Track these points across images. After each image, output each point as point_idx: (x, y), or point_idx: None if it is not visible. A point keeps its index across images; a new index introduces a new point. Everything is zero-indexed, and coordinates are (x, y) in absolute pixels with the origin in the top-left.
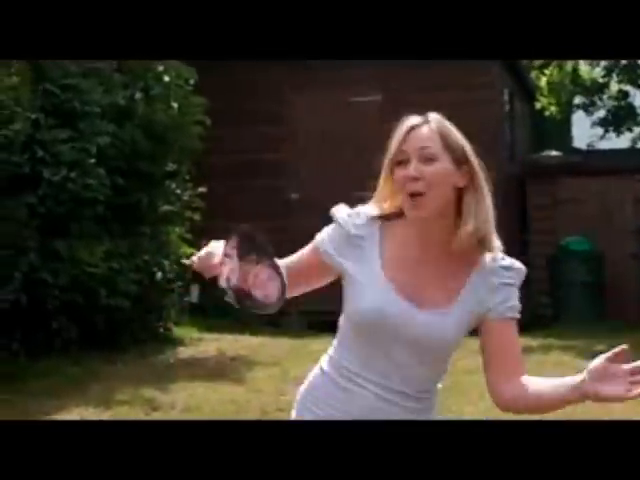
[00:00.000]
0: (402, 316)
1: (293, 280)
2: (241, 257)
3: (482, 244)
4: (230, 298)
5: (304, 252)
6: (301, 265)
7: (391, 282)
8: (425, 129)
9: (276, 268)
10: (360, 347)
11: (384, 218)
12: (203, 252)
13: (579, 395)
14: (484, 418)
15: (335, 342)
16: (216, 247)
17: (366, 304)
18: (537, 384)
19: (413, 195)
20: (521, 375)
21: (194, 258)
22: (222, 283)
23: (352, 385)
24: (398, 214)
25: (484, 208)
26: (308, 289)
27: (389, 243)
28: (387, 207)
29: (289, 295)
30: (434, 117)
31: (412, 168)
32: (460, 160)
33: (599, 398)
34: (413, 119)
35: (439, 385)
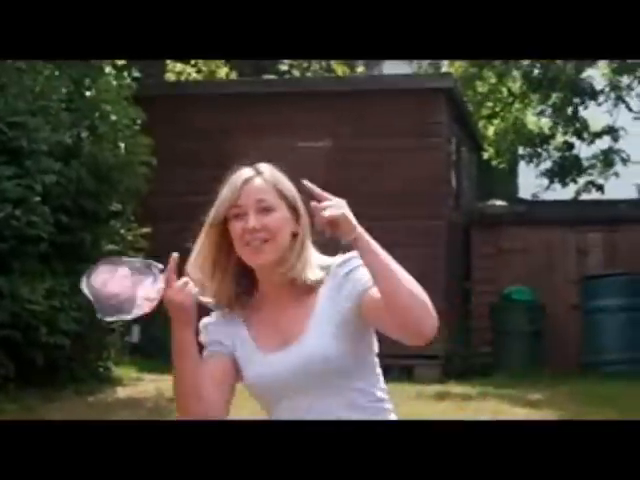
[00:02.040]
0: (275, 368)
1: (225, 401)
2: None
3: (293, 283)
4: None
5: (212, 374)
6: (219, 380)
7: (261, 348)
8: (258, 181)
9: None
10: (274, 412)
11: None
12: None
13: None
14: None
15: None
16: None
17: (249, 380)
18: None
19: (250, 246)
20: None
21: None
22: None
23: None
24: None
25: (306, 254)
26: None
27: (251, 316)
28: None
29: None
30: (265, 167)
31: (251, 219)
32: (294, 208)
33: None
34: (245, 172)
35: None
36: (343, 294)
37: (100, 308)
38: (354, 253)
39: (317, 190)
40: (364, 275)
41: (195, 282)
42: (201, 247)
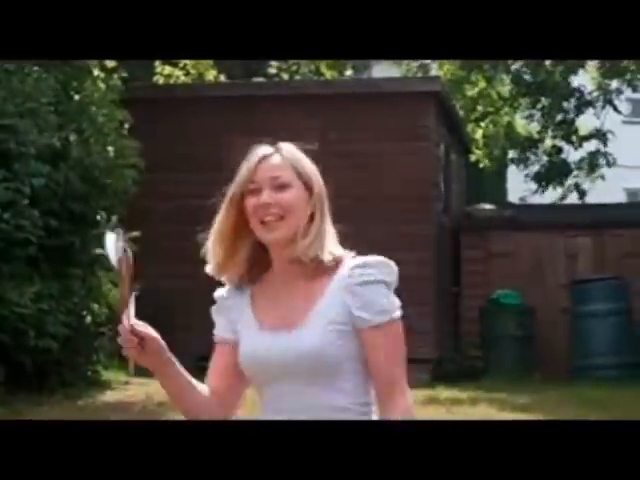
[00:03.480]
0: (259, 351)
1: (226, 397)
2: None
3: (303, 262)
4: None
5: (215, 364)
6: (222, 375)
7: (259, 322)
8: (276, 158)
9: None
10: (264, 394)
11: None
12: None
13: None
14: None
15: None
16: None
17: (242, 351)
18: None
19: (263, 222)
20: (394, 402)
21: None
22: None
23: None
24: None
25: (324, 233)
26: (242, 397)
27: (258, 290)
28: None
29: (230, 415)
30: (285, 146)
31: (265, 195)
32: (311, 188)
33: None
34: (264, 149)
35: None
36: (355, 302)
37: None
38: (379, 260)
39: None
40: (384, 306)
41: (211, 259)
42: (219, 223)
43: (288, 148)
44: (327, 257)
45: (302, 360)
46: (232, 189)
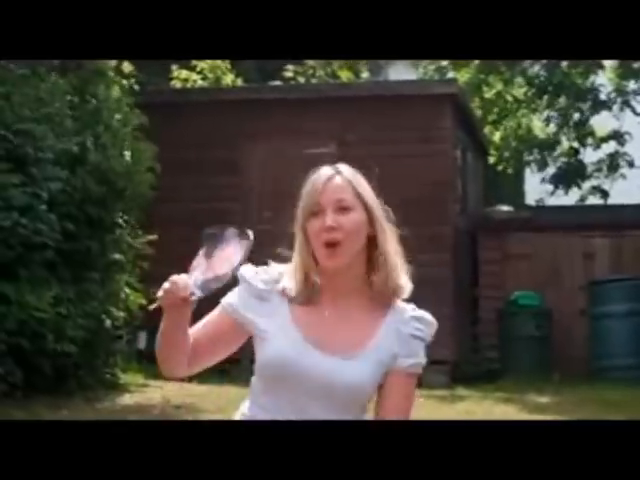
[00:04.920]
0: (305, 362)
1: (199, 351)
2: (207, 256)
3: (394, 292)
4: (200, 293)
5: (210, 319)
6: (207, 332)
7: (299, 330)
8: (339, 180)
9: (237, 233)
10: (271, 403)
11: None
12: (167, 285)
13: None
14: None
15: (247, 402)
16: (178, 278)
17: (272, 352)
18: None
19: (329, 245)
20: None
21: (159, 293)
22: (191, 289)
23: None
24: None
25: (392, 256)
26: (212, 361)
27: (303, 301)
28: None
29: (190, 371)
30: (344, 168)
31: (329, 218)
32: (370, 210)
33: None
34: (326, 170)
35: None
36: (402, 348)
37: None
38: (429, 321)
39: None
40: (420, 360)
41: (291, 284)
42: (299, 250)
43: (348, 170)
44: (407, 289)
45: (347, 390)
46: (300, 212)
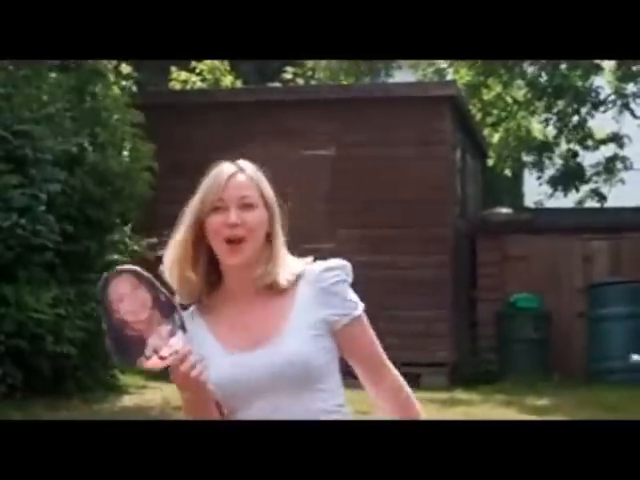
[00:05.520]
0: (240, 371)
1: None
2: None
3: (272, 287)
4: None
5: None
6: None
7: (217, 342)
8: (242, 177)
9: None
10: (247, 416)
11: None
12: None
13: None
14: None
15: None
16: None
17: (215, 380)
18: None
19: (230, 241)
20: (385, 379)
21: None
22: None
23: None
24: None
25: (280, 254)
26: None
27: (212, 311)
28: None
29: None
30: (248, 165)
31: (233, 215)
32: (271, 208)
33: None
34: (228, 166)
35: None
36: (328, 303)
37: (109, 326)
38: (340, 263)
39: None
40: (352, 302)
41: (170, 281)
42: (179, 243)
43: (251, 167)
44: (284, 283)
45: (287, 368)
46: (197, 205)
